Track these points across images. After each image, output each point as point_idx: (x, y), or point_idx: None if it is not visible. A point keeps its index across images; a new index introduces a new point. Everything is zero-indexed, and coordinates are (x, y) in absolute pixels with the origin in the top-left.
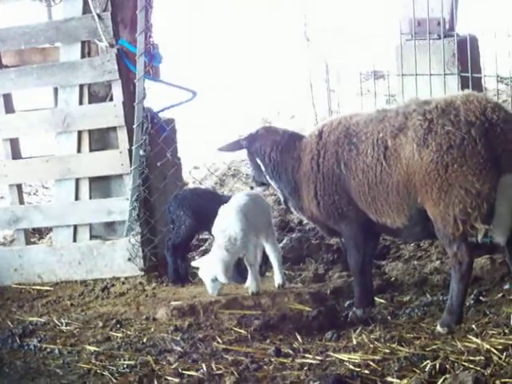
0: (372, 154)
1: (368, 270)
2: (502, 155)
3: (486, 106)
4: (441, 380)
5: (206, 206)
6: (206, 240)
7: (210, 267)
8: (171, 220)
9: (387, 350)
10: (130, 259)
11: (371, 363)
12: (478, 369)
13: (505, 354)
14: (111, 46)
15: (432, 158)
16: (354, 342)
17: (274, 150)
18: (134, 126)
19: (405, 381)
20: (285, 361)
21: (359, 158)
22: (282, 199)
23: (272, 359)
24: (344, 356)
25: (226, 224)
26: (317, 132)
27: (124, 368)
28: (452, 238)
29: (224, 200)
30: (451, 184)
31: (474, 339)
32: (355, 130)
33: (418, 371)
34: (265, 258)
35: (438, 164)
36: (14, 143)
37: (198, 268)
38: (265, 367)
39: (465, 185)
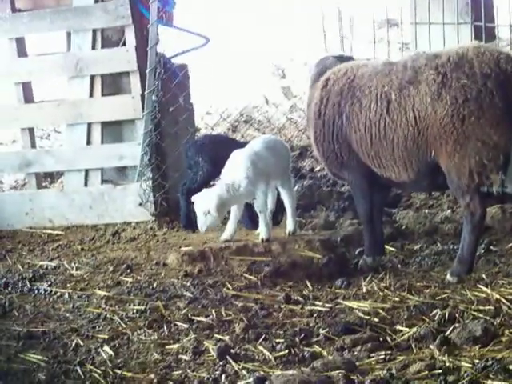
0: (375, 108)
1: (378, 218)
2: None
3: (499, 57)
4: (450, 329)
5: (224, 152)
6: None
7: (205, 200)
8: (188, 165)
9: (397, 299)
10: (141, 204)
11: (380, 311)
12: (488, 318)
13: None
14: None
15: (447, 112)
16: (364, 289)
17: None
18: (147, 71)
19: (414, 329)
20: (294, 308)
21: (362, 111)
22: None
23: (281, 306)
24: (353, 304)
25: (233, 171)
26: (324, 79)
27: (134, 313)
28: (466, 189)
29: (242, 147)
30: (468, 137)
31: (484, 289)
32: (359, 83)
33: (427, 320)
34: (281, 205)
35: (454, 117)
36: (27, 87)
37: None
38: (274, 314)
39: (482, 137)
